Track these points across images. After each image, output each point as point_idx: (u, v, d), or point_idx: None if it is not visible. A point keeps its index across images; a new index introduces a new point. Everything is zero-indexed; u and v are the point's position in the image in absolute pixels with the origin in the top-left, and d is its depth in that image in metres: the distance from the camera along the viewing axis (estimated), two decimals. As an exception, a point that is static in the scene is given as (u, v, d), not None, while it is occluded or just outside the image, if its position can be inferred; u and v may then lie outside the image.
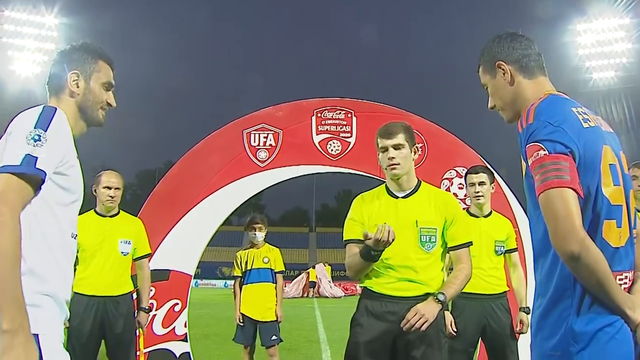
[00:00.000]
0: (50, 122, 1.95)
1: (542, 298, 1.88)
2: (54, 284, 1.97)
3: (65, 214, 2.05)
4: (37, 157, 1.86)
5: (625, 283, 1.85)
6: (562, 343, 1.77)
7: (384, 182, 3.34)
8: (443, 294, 3.02)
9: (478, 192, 4.51)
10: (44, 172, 1.88)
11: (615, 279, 1.77)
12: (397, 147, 3.13)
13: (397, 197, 3.20)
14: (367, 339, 3.06)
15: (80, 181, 2.13)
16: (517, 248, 4.65)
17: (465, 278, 3.15)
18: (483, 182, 4.51)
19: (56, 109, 2.03)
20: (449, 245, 3.17)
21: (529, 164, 1.81)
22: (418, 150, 3.22)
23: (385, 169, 3.19)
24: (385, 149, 3.16)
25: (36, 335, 1.78)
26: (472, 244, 3.25)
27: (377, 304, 3.11)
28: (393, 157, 3.12)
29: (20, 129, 1.92)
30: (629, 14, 35.70)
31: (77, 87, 2.21)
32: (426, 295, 3.05)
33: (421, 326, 2.90)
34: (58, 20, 42.42)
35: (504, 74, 2.08)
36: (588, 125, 1.85)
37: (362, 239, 3.06)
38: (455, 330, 4.44)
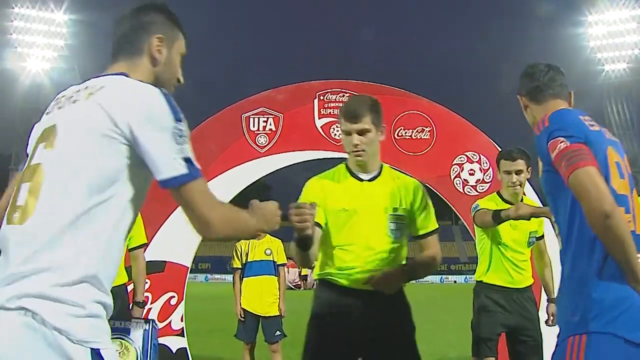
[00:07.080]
0: (181, 114, 1.70)
1: (565, 265, 2.12)
2: (109, 286, 1.69)
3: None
4: (190, 157, 1.67)
5: None
6: (580, 309, 2.00)
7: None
8: (406, 265, 2.86)
9: (515, 182, 4.12)
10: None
11: None
12: (362, 132, 2.80)
13: (361, 180, 2.90)
14: (331, 338, 2.77)
15: None
16: (543, 235, 4.39)
17: (435, 262, 2.94)
18: (520, 170, 4.11)
19: (167, 93, 1.73)
20: (419, 233, 2.93)
21: (553, 157, 2.11)
22: (384, 131, 2.92)
23: (349, 153, 2.90)
24: (349, 133, 2.83)
25: (97, 350, 1.55)
26: (438, 231, 3.01)
27: (339, 298, 2.81)
28: (357, 144, 2.80)
29: (161, 124, 1.66)
30: (641, 5, 35.68)
31: (160, 53, 1.90)
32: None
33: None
34: (67, 16, 43.09)
35: (520, 103, 2.53)
36: (594, 129, 2.20)
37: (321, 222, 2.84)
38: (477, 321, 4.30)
